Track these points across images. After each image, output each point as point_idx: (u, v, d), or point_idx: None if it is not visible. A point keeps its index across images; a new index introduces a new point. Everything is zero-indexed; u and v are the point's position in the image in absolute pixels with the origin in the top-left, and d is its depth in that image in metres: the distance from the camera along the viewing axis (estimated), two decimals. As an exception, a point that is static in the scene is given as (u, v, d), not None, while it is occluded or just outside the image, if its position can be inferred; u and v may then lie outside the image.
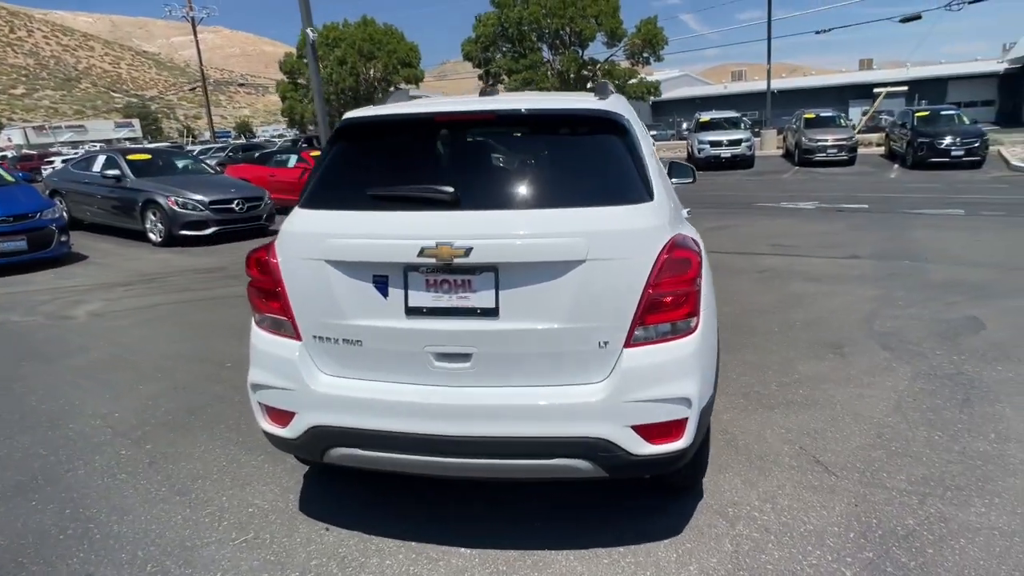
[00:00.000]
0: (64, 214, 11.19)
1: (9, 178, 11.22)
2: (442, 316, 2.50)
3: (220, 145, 37.21)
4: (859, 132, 27.14)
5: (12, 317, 7.20)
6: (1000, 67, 45.30)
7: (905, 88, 39.89)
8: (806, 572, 2.62)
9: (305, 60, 38.58)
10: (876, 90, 37.49)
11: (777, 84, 38.74)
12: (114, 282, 8.87)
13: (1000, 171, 17.84)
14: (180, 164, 13.88)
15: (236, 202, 11.83)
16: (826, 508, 3.04)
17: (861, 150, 23.40)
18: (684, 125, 41.67)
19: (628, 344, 2.47)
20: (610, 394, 2.45)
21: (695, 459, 2.82)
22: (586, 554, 2.78)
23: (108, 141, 76.03)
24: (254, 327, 2.84)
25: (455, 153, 2.87)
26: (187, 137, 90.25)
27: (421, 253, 2.41)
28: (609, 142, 2.68)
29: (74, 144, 69.99)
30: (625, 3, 38.19)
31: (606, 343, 2.46)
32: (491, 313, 2.46)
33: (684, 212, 3.39)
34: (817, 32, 37.26)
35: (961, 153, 18.56)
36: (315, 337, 2.65)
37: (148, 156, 13.68)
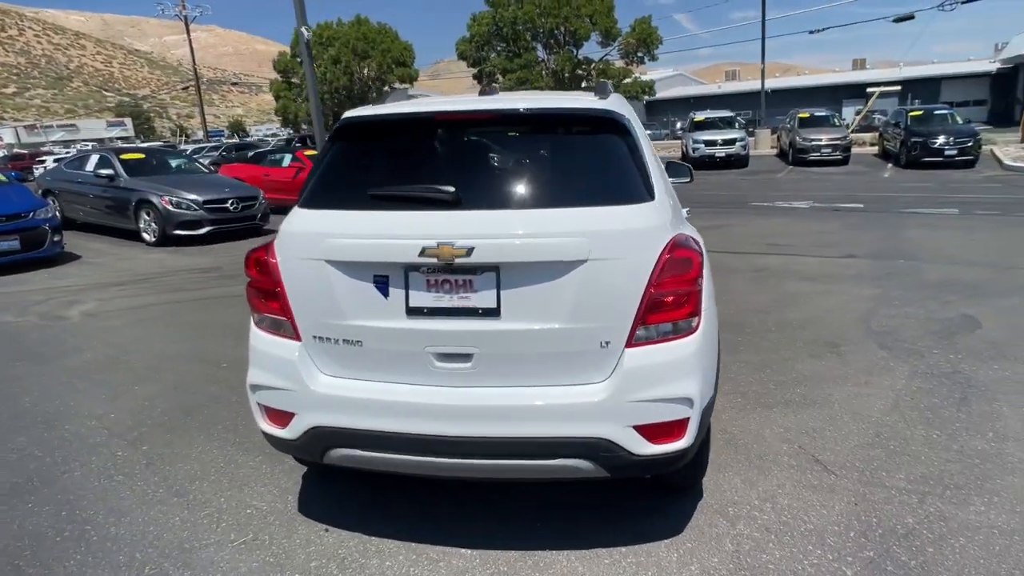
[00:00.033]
0: (57, 214, 11.13)
1: (1, 177, 11.15)
2: (443, 316, 2.49)
3: (213, 144, 37.09)
4: (853, 131, 27.23)
5: (5, 317, 7.15)
6: (992, 67, 45.52)
7: (898, 88, 40.03)
8: (807, 571, 2.62)
9: (299, 59, 38.57)
10: (869, 90, 37.61)
11: (771, 83, 38.81)
12: (108, 282, 8.83)
13: (993, 170, 17.93)
14: (174, 163, 13.82)
15: (230, 202, 11.78)
16: (826, 507, 3.04)
17: (855, 149, 23.50)
18: (678, 124, 41.66)
19: (630, 344, 2.46)
20: (612, 394, 2.45)
21: (695, 459, 2.82)
22: (587, 554, 2.78)
23: (100, 140, 75.63)
24: (253, 327, 2.82)
25: (455, 152, 2.86)
26: (180, 136, 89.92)
27: (422, 253, 2.40)
28: (610, 142, 2.67)
29: (66, 143, 69.53)
30: (619, 2, 38.32)
31: (608, 343, 2.45)
32: (492, 313, 2.45)
33: (684, 211, 3.38)
34: (811, 32, 37.46)
35: (954, 153, 18.64)
36: (315, 337, 2.64)
37: (142, 155, 13.60)
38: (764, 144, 29.97)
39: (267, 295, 2.71)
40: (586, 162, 2.71)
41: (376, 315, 2.54)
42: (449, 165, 2.82)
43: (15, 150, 54.41)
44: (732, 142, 23.15)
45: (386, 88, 42.54)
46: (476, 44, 39.99)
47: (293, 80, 44.28)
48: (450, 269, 2.44)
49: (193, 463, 3.71)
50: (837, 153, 21.86)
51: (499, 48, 40.17)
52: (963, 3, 29.82)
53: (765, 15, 31.81)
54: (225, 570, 2.78)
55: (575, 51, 39.48)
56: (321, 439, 2.63)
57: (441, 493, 3.26)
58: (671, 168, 4.40)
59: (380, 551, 2.86)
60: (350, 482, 3.39)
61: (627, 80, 38.73)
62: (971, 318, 5.65)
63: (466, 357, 2.49)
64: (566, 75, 38.93)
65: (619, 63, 40.13)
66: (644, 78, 41.95)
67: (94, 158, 13.26)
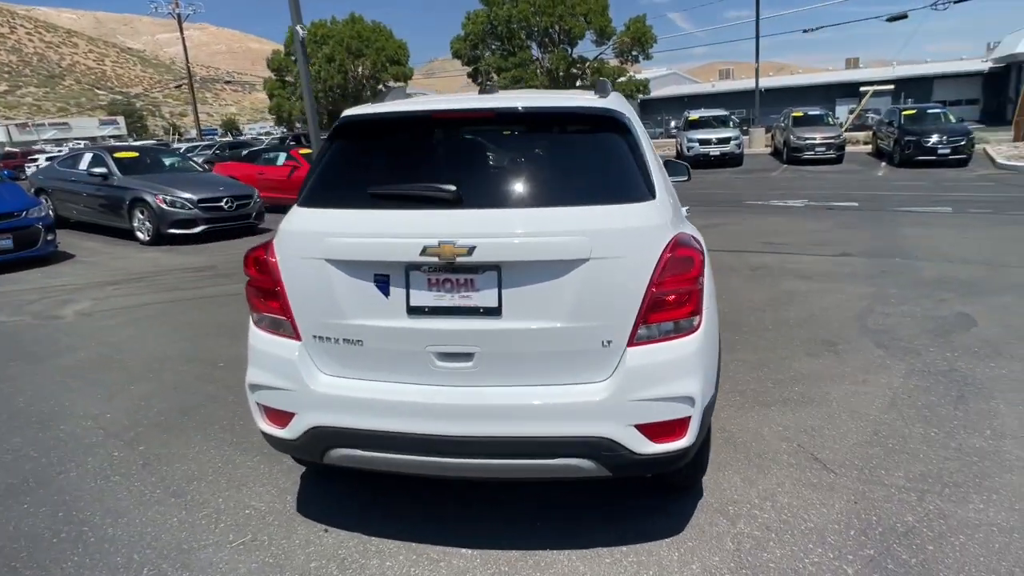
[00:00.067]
0: (50, 212, 11.06)
1: (-7, 176, 11.08)
2: (444, 315, 2.48)
3: (207, 143, 36.90)
4: (846, 130, 27.31)
5: (-1, 317, 7.10)
6: (984, 66, 45.70)
7: (891, 87, 40.18)
8: (808, 570, 2.62)
9: (293, 57, 38.45)
10: (863, 89, 37.76)
11: (765, 82, 38.88)
12: (102, 281, 8.78)
13: (986, 169, 18.01)
14: (168, 162, 13.75)
15: (225, 200, 11.73)
16: (826, 506, 3.05)
17: (849, 148, 23.55)
18: (672, 123, 41.79)
19: (631, 343, 2.46)
20: (613, 393, 2.44)
21: (696, 458, 2.81)
22: (588, 553, 2.77)
23: (92, 139, 75.09)
24: (252, 327, 2.80)
25: (456, 151, 2.85)
26: (173, 135, 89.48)
27: (423, 252, 2.38)
28: (611, 140, 2.67)
29: (58, 142, 69.12)
30: (614, 1, 38.27)
31: (609, 342, 2.45)
32: (494, 312, 2.44)
33: (684, 210, 3.38)
34: (804, 31, 37.44)
35: (948, 151, 18.72)
36: (315, 337, 2.62)
37: (135, 154, 13.53)
38: (758, 143, 30.05)
39: (266, 294, 2.69)
40: (587, 161, 2.70)
41: (377, 314, 2.52)
42: (450, 164, 2.80)
43: (7, 149, 54.01)
44: (727, 141, 23.20)
45: (380, 86, 42.43)
46: (471, 42, 39.92)
47: (287, 78, 44.12)
48: (451, 268, 2.42)
49: (190, 463, 3.69)
50: (831, 152, 21.92)
51: (494, 47, 40.11)
52: (956, 2, 29.88)
53: (759, 14, 31.90)
54: (224, 571, 2.76)
55: (570, 50, 39.46)
56: (321, 439, 2.62)
57: (441, 493, 3.25)
58: (669, 167, 4.39)
59: (380, 551, 2.85)
60: (349, 482, 3.38)
61: (622, 79, 38.73)
62: (966, 316, 5.67)
63: (467, 356, 2.49)
64: (561, 74, 38.90)
65: (614, 62, 40.12)
66: (638, 77, 41.99)
67: (87, 156, 13.18)
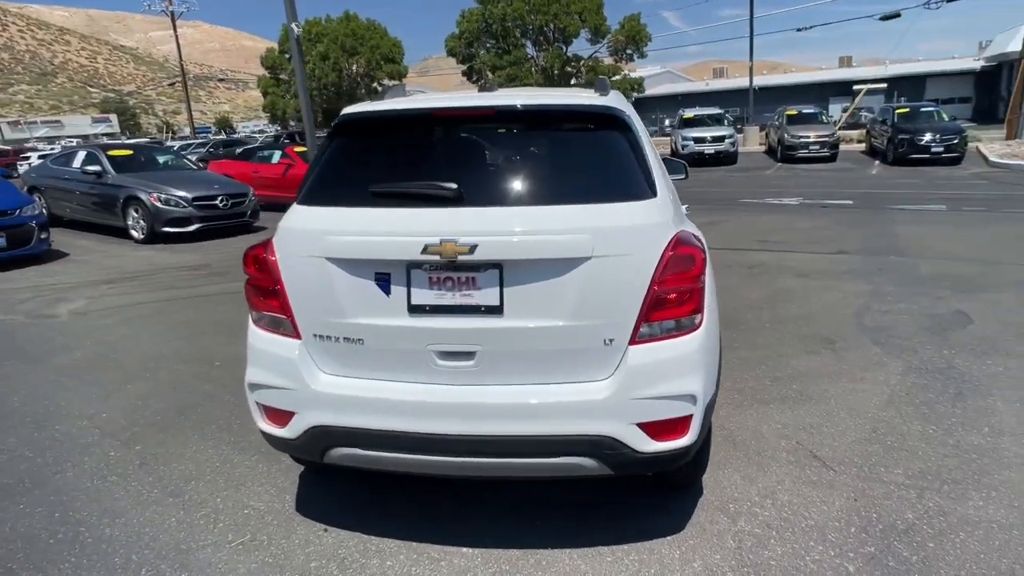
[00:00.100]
0: (44, 211, 11.00)
1: (-14, 174, 11.01)
2: (445, 314, 2.46)
3: (200, 141, 36.74)
4: (840, 129, 27.38)
5: (-8, 316, 7.05)
6: (977, 65, 45.88)
7: (884, 85, 40.30)
8: (809, 568, 2.62)
9: (287, 55, 38.37)
10: (856, 87, 37.84)
11: (758, 81, 38.94)
12: (96, 280, 8.73)
13: (979, 167, 18.08)
14: (162, 160, 13.68)
15: (220, 198, 11.66)
16: (826, 503, 3.05)
17: (842, 146, 23.65)
18: (667, 122, 41.77)
19: (633, 341, 2.45)
20: (615, 391, 2.43)
21: (697, 456, 2.81)
22: (589, 552, 2.77)
23: (85, 137, 74.82)
24: (252, 326, 2.78)
25: (457, 149, 2.83)
26: (166, 133, 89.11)
27: (425, 250, 2.37)
28: (612, 138, 2.66)
29: (50, 140, 68.80)
30: (608, 0, 38.25)
31: (611, 340, 2.44)
32: (495, 311, 2.43)
33: (683, 208, 3.37)
34: (798, 29, 37.53)
35: (941, 149, 18.79)
36: (315, 336, 2.61)
37: (129, 152, 13.45)
38: (753, 141, 30.10)
39: (266, 293, 2.68)
40: (588, 159, 2.69)
41: (377, 313, 2.51)
42: (450, 161, 2.79)
43: (-2, 146, 53.67)
44: (721, 139, 23.24)
45: (375, 85, 42.33)
46: (465, 41, 39.86)
47: (281, 76, 43.99)
48: (453, 266, 2.41)
49: (188, 463, 3.67)
50: (825, 150, 21.98)
51: (488, 45, 40.06)
52: (948, 1, 30.00)
53: (753, 12, 31.93)
54: (223, 571, 2.74)
55: (564, 48, 39.44)
56: (322, 438, 2.60)
57: (442, 492, 3.24)
58: (667, 165, 4.38)
59: (380, 551, 2.83)
60: (349, 481, 3.36)
61: (616, 77, 38.72)
62: (963, 313, 5.69)
63: (469, 355, 2.47)
64: (555, 72, 38.88)
65: (608, 60, 40.13)
66: (633, 75, 42.01)
67: (81, 154, 13.11)
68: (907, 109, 21.76)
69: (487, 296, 2.43)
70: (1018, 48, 26.56)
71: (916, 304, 6.04)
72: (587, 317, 2.42)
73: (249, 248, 2.77)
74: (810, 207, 12.70)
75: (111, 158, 12.45)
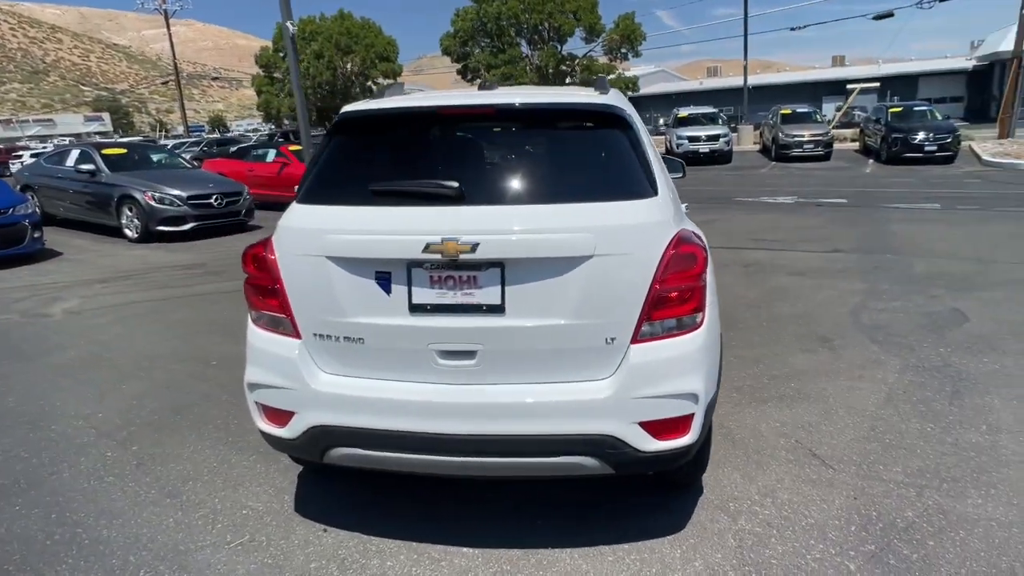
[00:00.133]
0: (37, 210, 10.93)
1: (-22, 173, 10.94)
2: (447, 313, 2.45)
3: (194, 140, 36.57)
4: (833, 127, 27.46)
5: (-15, 316, 7.00)
6: (969, 64, 46.11)
7: (877, 84, 40.45)
8: (810, 566, 2.63)
9: (282, 54, 38.22)
10: (849, 86, 37.96)
11: (752, 80, 39.03)
12: (91, 279, 8.68)
13: (972, 166, 18.16)
14: (156, 158, 13.61)
15: (215, 197, 11.60)
16: (826, 502, 3.05)
17: (836, 145, 23.69)
18: (661, 121, 41.82)
19: (635, 340, 2.44)
20: (617, 390, 2.43)
21: (697, 455, 2.81)
22: (590, 552, 2.76)
23: (77, 135, 74.35)
24: (251, 325, 2.77)
25: (458, 148, 2.82)
26: (160, 132, 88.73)
27: (426, 249, 2.36)
28: (613, 137, 2.65)
29: (42, 138, 68.39)
30: (602, -1, 38.31)
31: (613, 339, 2.43)
32: (497, 310, 2.42)
33: (683, 207, 3.37)
34: (792, 29, 37.66)
35: (934, 148, 18.86)
36: (315, 335, 2.59)
37: (123, 150, 13.39)
38: (747, 140, 30.15)
39: (266, 292, 2.66)
40: (589, 157, 2.69)
41: (378, 312, 2.50)
42: (451, 160, 2.78)
43: (-10, 145, 53.30)
44: (716, 138, 23.26)
45: (369, 83, 42.23)
46: (460, 39, 39.84)
47: (275, 75, 43.81)
48: (454, 265, 2.40)
49: (185, 463, 3.65)
50: (819, 149, 22.05)
51: (483, 43, 40.06)
52: (941, 1, 30.10)
53: (747, 12, 31.99)
54: (223, 572, 2.73)
55: (559, 47, 39.48)
56: (322, 438, 2.59)
57: (443, 492, 3.23)
58: (665, 164, 4.39)
59: (380, 551, 2.82)
60: (348, 481, 3.35)
61: (611, 76, 38.74)
62: (959, 312, 5.70)
63: (470, 354, 2.46)
64: (550, 71, 38.90)
65: (603, 59, 40.17)
66: (627, 74, 42.07)
67: (75, 153, 13.02)
68: (900, 108, 21.86)
69: (489, 295, 2.42)
70: (1010, 48, 26.64)
71: (912, 302, 6.05)
72: (589, 316, 2.41)
73: (248, 247, 2.75)
74: (805, 206, 12.73)
75: (105, 157, 12.38)
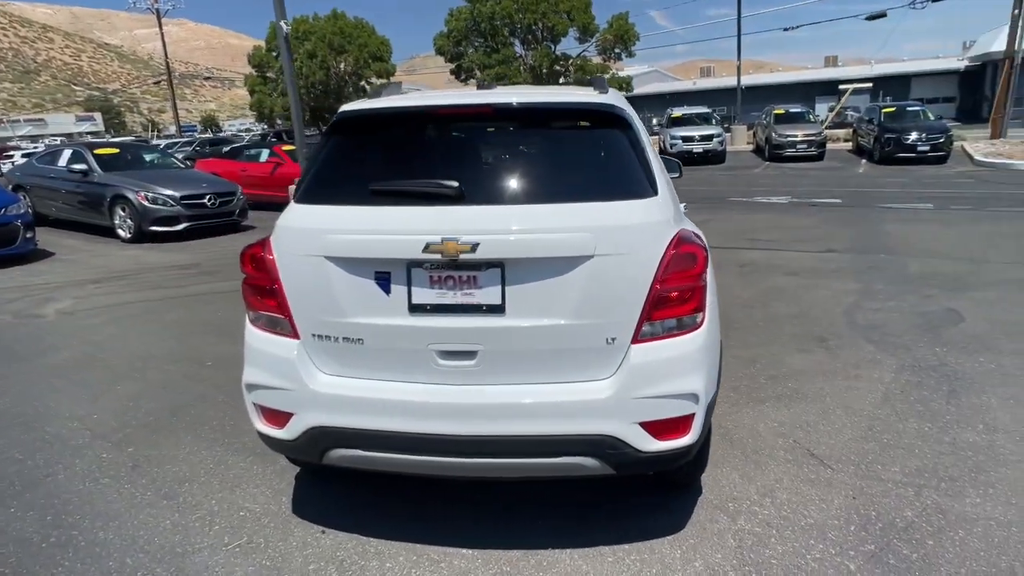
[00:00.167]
0: (29, 210, 10.84)
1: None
2: (447, 313, 2.44)
3: (186, 139, 36.41)
4: (826, 127, 27.55)
5: (-23, 317, 6.95)
6: (961, 64, 46.32)
7: (870, 85, 40.55)
8: (810, 566, 2.63)
9: (275, 53, 38.08)
10: (842, 87, 38.05)
11: (746, 80, 39.17)
12: (84, 279, 8.62)
13: (964, 166, 18.25)
14: (149, 158, 13.54)
15: (208, 197, 11.55)
16: (825, 501, 3.05)
17: (829, 145, 23.79)
18: (655, 121, 41.87)
19: (635, 340, 2.44)
20: (617, 391, 2.42)
21: (697, 455, 2.80)
22: (590, 552, 2.76)
23: (69, 135, 73.95)
24: (249, 325, 2.75)
25: (457, 147, 2.82)
26: (152, 131, 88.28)
27: (426, 249, 2.35)
28: (613, 136, 2.65)
29: (34, 138, 68.04)
30: (596, -1, 38.33)
31: (613, 339, 2.43)
32: (497, 310, 2.41)
33: (682, 207, 3.37)
34: (784, 29, 37.76)
35: (927, 148, 18.95)
36: (314, 335, 2.58)
37: (116, 150, 13.31)
38: (740, 140, 30.23)
39: (264, 292, 2.64)
40: (590, 157, 2.68)
41: (377, 312, 2.48)
42: (451, 160, 2.77)
43: (-19, 145, 52.93)
44: (709, 138, 23.32)
45: (363, 83, 42.15)
46: (454, 39, 39.81)
47: (268, 74, 43.67)
48: (454, 265, 2.39)
49: (181, 464, 3.63)
50: (812, 149, 22.12)
51: (477, 43, 40.04)
52: (933, 1, 30.24)
53: (740, 12, 32.07)
54: (220, 575, 2.71)
55: (553, 47, 39.49)
56: (321, 439, 2.57)
57: (441, 493, 3.22)
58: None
59: (379, 552, 2.81)
60: (346, 482, 3.33)
61: (605, 76, 38.81)
62: (954, 311, 5.73)
63: (470, 355, 2.45)
64: (544, 71, 38.91)
65: (596, 59, 40.21)
66: (621, 74, 42.11)
67: (67, 153, 12.95)
68: (893, 108, 21.94)
69: (489, 295, 2.41)
70: (1002, 48, 26.79)
71: (907, 302, 6.08)
72: (589, 316, 2.41)
73: (247, 247, 2.73)
74: (799, 206, 12.76)
75: (97, 156, 12.32)
